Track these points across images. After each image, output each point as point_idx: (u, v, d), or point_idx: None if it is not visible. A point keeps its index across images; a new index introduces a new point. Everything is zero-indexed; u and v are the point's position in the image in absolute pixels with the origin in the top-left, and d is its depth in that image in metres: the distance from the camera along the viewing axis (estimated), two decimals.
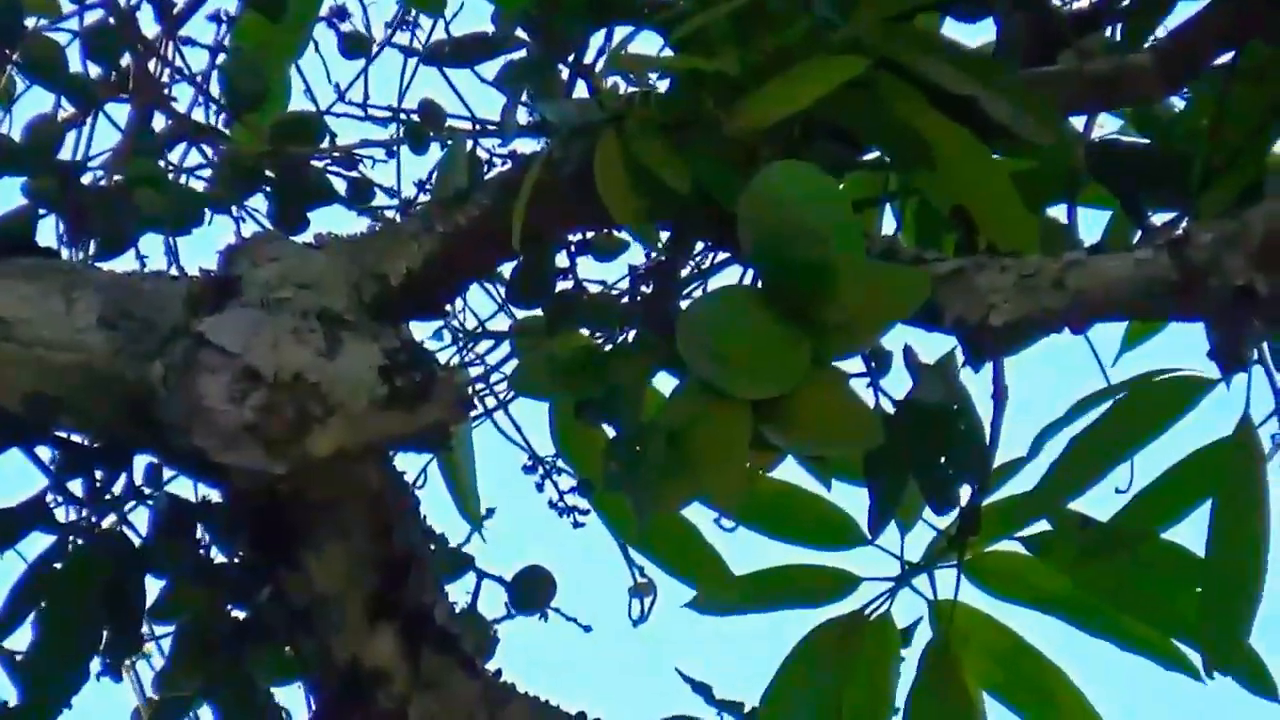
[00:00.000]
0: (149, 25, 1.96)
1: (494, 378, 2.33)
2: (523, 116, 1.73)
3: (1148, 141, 2.02)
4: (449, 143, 1.86)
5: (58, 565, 1.67)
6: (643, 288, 1.70)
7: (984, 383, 1.93)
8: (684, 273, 1.78)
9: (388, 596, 1.57)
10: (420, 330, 1.68)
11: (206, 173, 1.90)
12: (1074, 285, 1.50)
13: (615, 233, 1.76)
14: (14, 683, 1.67)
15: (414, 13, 2.28)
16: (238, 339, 1.46)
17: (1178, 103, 2.03)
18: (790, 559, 2.30)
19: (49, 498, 1.68)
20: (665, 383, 1.62)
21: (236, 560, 1.64)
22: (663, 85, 1.64)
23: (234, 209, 1.88)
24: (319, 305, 1.51)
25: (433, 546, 1.65)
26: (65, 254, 1.71)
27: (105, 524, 1.69)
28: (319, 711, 1.61)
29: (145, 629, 1.68)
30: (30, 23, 1.81)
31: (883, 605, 2.26)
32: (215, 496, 1.63)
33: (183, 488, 1.68)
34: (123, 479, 1.68)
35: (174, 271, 1.77)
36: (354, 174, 1.89)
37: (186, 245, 1.92)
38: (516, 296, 1.78)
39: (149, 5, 1.96)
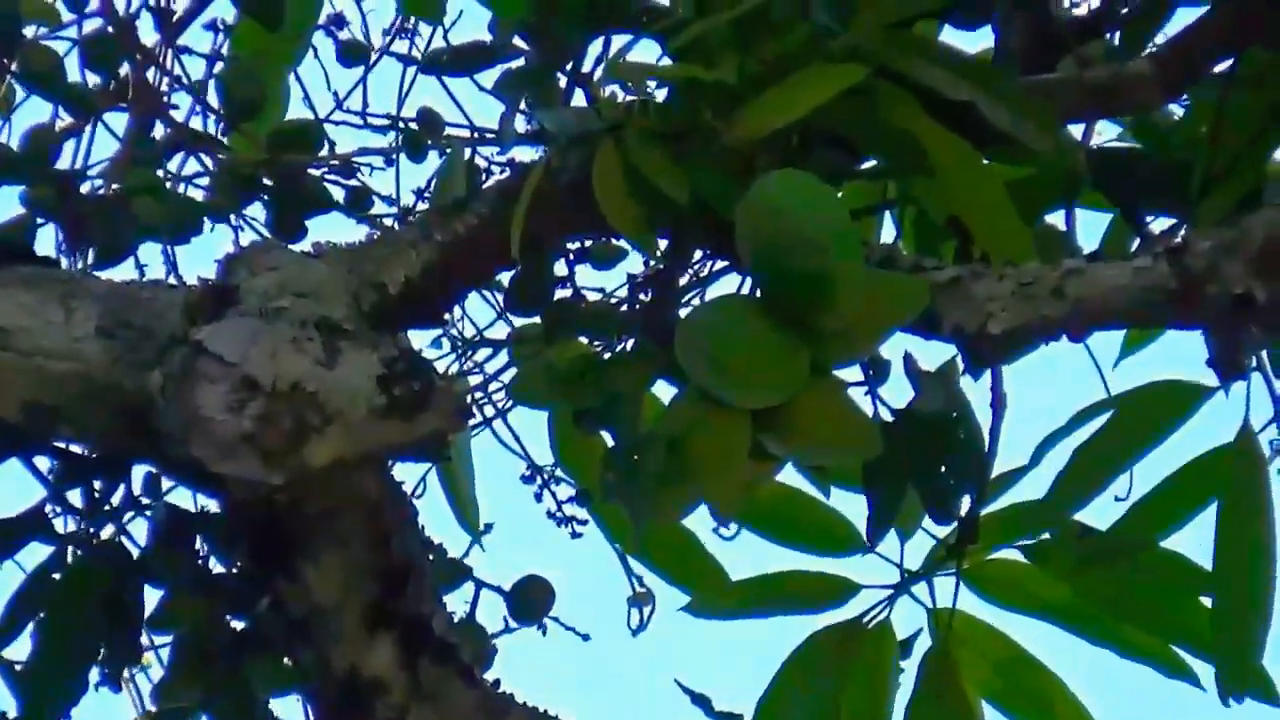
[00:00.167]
0: (148, 34, 1.96)
1: (492, 386, 2.34)
2: (521, 125, 1.73)
3: (1147, 148, 2.02)
4: (447, 151, 1.87)
5: (56, 575, 1.67)
6: (641, 296, 1.70)
7: (983, 391, 1.93)
8: (682, 281, 1.78)
9: (386, 606, 1.57)
10: (419, 339, 1.68)
11: (205, 181, 1.89)
12: (1072, 293, 1.50)
13: (614, 241, 1.75)
14: (13, 693, 1.67)
15: (412, 21, 2.28)
16: (236, 348, 1.45)
17: (1177, 110, 2.03)
18: (789, 566, 2.30)
19: (48, 508, 1.68)
20: (664, 391, 1.62)
21: (235, 570, 1.63)
22: (661, 94, 1.64)
23: (232, 218, 1.88)
24: (317, 314, 1.51)
25: (431, 556, 1.64)
26: (64, 263, 1.71)
27: (104, 534, 1.68)
28: None
29: (144, 639, 1.68)
30: (29, 31, 1.81)
31: (882, 612, 2.26)
32: (214, 507, 1.63)
33: (181, 498, 1.68)
34: (121, 489, 1.67)
35: (172, 280, 1.76)
36: (352, 182, 1.89)
37: (185, 254, 1.92)
38: (515, 305, 1.78)
39: (148, 14, 1.96)
